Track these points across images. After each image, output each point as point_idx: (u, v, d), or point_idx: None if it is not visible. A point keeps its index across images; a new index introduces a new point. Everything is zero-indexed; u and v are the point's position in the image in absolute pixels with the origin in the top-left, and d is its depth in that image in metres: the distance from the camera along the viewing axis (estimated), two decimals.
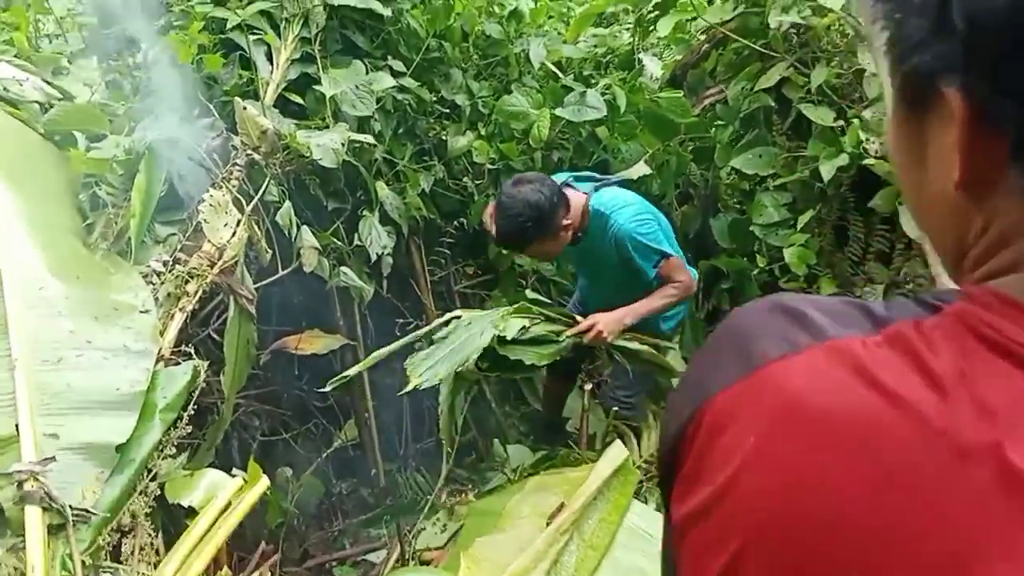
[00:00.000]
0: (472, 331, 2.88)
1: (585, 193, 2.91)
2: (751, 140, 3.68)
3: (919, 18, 0.53)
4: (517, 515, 2.84)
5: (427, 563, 3.27)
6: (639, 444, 3.19)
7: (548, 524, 2.71)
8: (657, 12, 4.09)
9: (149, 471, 2.24)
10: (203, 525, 2.11)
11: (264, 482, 2.23)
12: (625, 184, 3.16)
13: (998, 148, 0.53)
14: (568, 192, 2.89)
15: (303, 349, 3.33)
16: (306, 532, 3.65)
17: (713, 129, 4.14)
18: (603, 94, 3.79)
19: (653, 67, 4.43)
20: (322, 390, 2.98)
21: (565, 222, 2.78)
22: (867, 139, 3.13)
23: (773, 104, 3.56)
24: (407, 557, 3.26)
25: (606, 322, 2.89)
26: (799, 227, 3.39)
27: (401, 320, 3.74)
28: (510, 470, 3.49)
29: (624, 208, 2.82)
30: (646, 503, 2.99)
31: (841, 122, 3.27)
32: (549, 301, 3.98)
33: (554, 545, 2.58)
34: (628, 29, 5.06)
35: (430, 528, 3.39)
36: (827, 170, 3.17)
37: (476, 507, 3.05)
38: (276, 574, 2.86)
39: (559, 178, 3.02)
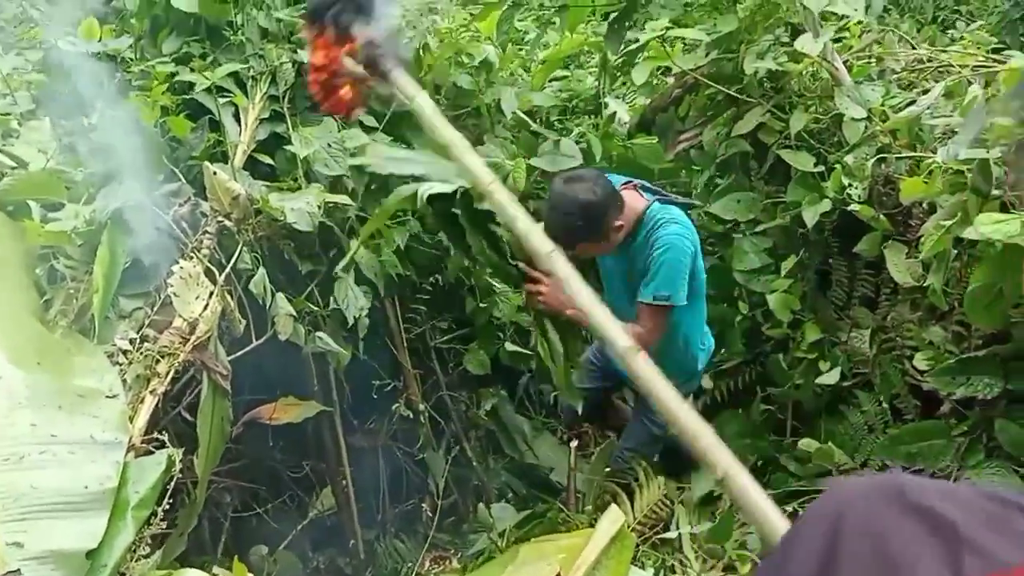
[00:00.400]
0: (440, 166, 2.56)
1: (647, 200, 2.83)
2: (728, 185, 3.65)
3: None
4: None
5: None
6: (632, 505, 3.09)
7: None
8: (625, 58, 4.07)
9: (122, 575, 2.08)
10: None
11: None
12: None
13: None
14: (628, 194, 2.81)
15: (277, 419, 3.17)
16: None
17: (684, 172, 4.11)
18: (577, 142, 3.73)
19: (621, 112, 4.40)
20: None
21: (617, 223, 2.70)
22: (850, 184, 3.11)
23: (750, 149, 3.54)
24: None
25: (552, 292, 2.69)
26: (783, 273, 3.34)
27: (378, 382, 3.60)
28: (496, 534, 3.36)
29: (678, 225, 2.76)
30: (643, 568, 2.89)
31: (821, 167, 3.25)
32: (530, 352, 3.91)
33: None
34: (592, 72, 5.04)
35: None
36: (810, 216, 3.14)
37: None
38: None
39: (622, 180, 2.95)
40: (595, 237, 2.67)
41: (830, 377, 3.26)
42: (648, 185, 3.02)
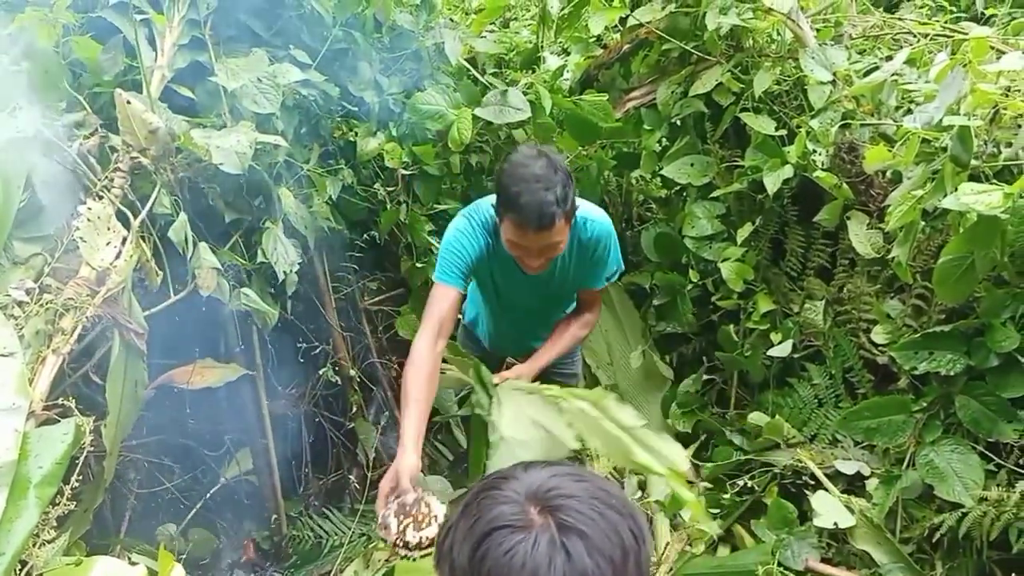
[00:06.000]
0: None
1: None
2: (681, 147, 3.49)
3: None
4: None
5: None
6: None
7: None
8: (572, 7, 3.86)
9: (23, 564, 1.77)
10: None
11: (178, 574, 1.80)
12: None
13: None
14: None
15: (195, 383, 2.86)
16: None
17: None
18: (524, 93, 3.50)
19: (559, 67, 4.18)
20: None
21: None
22: (814, 151, 3.00)
23: (706, 110, 3.39)
24: None
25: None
26: (738, 241, 3.22)
27: (304, 344, 3.32)
28: None
29: (590, 207, 2.50)
30: None
31: (783, 131, 3.12)
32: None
33: None
34: (527, 26, 4.81)
35: None
36: (771, 182, 3.01)
37: (403, 565, 2.68)
38: None
39: None
40: (573, 214, 2.29)
41: (781, 349, 3.17)
42: None
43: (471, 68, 3.73)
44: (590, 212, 2.48)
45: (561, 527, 0.88)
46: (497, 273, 2.58)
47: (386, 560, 3.06)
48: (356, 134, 3.33)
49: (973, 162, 2.49)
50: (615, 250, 2.54)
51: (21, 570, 1.76)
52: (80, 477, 1.96)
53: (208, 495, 3.22)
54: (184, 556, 2.93)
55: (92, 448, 2.12)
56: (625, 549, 0.88)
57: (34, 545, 1.80)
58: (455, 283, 2.40)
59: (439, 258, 2.45)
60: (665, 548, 2.80)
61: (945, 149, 2.53)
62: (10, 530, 1.72)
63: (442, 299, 2.40)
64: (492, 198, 2.37)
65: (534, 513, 0.89)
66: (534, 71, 4.11)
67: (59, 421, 1.98)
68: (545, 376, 3.00)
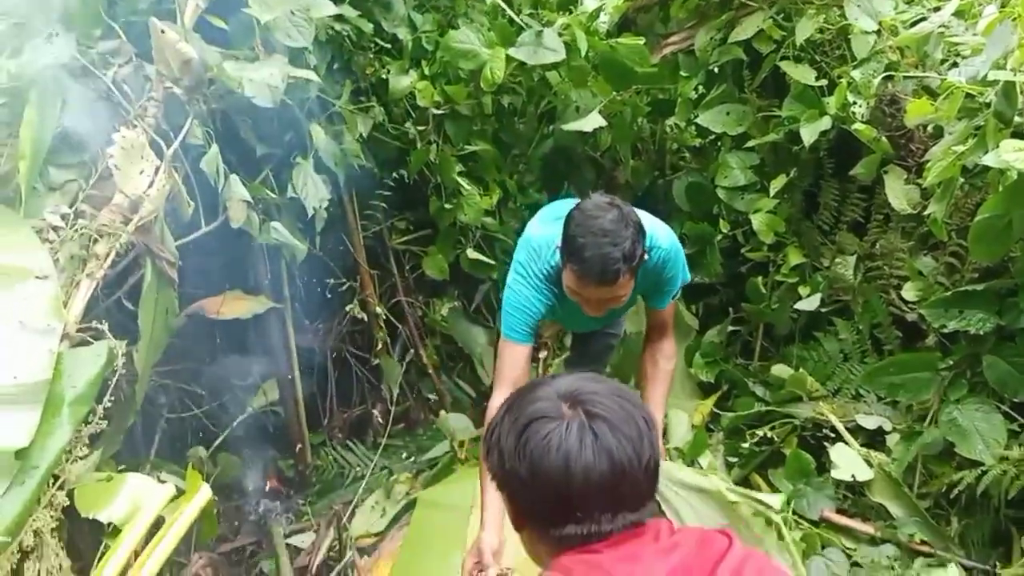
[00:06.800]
0: None
1: None
2: (718, 95, 3.43)
3: None
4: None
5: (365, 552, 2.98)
6: None
7: None
8: None
9: (55, 479, 1.84)
10: (127, 548, 1.72)
11: (206, 493, 1.86)
12: None
13: None
14: None
15: (224, 314, 2.91)
16: (220, 512, 3.28)
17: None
18: (559, 35, 3.44)
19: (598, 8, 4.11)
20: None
21: None
22: (854, 102, 2.93)
23: (744, 57, 3.32)
24: (343, 544, 2.96)
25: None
26: (771, 192, 3.18)
27: (332, 280, 3.35)
28: (457, 444, 3.20)
29: (657, 227, 2.35)
30: None
31: (823, 82, 3.05)
32: (492, 261, 3.70)
33: None
34: None
35: (368, 511, 3.08)
36: (808, 133, 2.96)
37: (425, 497, 2.75)
38: None
39: (562, 206, 2.47)
40: (639, 266, 2.14)
41: (809, 303, 3.15)
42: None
43: (506, 7, 3.67)
44: (655, 233, 2.31)
45: (589, 415, 1.08)
46: (565, 309, 2.44)
47: (407, 493, 3.14)
48: (388, 72, 3.31)
49: (1017, 119, 2.42)
50: (682, 268, 2.43)
51: (54, 483, 1.82)
52: (112, 398, 2.02)
53: (235, 423, 3.30)
54: (211, 479, 3.02)
55: (124, 371, 2.19)
56: (640, 431, 1.09)
57: (67, 460, 1.86)
58: (525, 340, 2.34)
59: (504, 314, 2.37)
60: None
61: (989, 105, 2.47)
62: (44, 445, 1.78)
63: (514, 360, 2.33)
64: (552, 235, 2.26)
65: (565, 407, 1.10)
66: (570, 12, 4.04)
67: (92, 344, 2.02)
68: (592, 339, 3.03)
